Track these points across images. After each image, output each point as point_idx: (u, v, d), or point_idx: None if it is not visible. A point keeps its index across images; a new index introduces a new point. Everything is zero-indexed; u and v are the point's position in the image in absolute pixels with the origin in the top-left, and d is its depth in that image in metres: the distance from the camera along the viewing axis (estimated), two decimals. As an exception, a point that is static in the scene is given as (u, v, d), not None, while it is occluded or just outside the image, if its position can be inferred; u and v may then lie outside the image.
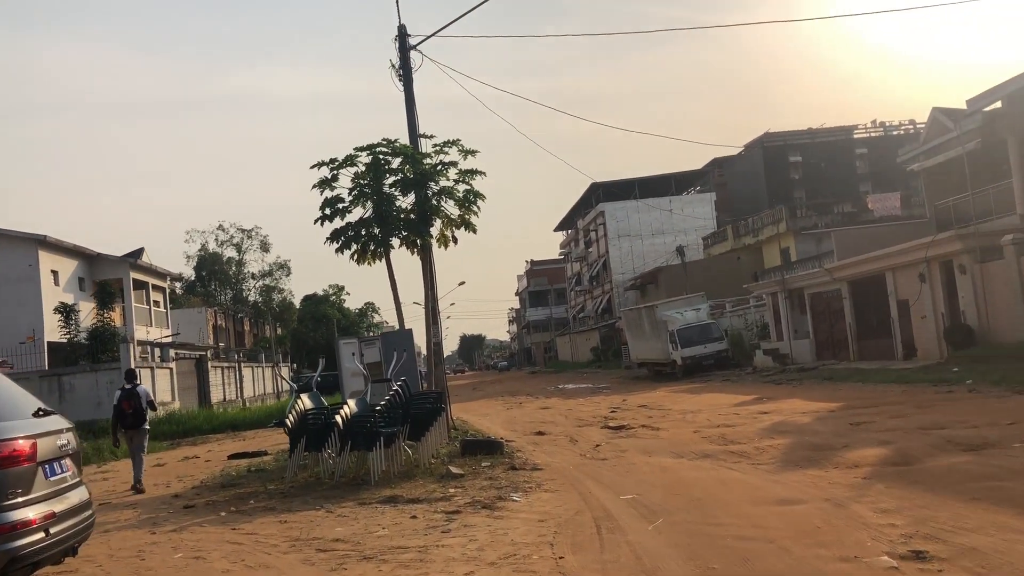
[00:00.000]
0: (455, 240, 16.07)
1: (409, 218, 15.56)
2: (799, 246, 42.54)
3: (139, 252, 41.55)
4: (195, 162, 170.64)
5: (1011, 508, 6.58)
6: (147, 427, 13.38)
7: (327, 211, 15.51)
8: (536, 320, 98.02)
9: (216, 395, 35.46)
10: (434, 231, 15.82)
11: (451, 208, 15.70)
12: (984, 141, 24.88)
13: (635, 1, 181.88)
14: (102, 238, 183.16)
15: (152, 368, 28.97)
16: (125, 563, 7.33)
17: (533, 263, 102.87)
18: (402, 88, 16.54)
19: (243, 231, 71.84)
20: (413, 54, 16.58)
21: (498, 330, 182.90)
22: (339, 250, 15.66)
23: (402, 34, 16.49)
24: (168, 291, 45.82)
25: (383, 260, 15.89)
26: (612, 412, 19.94)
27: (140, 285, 39.67)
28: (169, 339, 38.38)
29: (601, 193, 66.03)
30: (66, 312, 29.14)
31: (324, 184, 15.47)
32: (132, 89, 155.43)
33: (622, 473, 10.31)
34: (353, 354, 16.27)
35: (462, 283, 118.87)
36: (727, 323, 38.92)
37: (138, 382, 13.86)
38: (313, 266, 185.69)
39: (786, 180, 60.80)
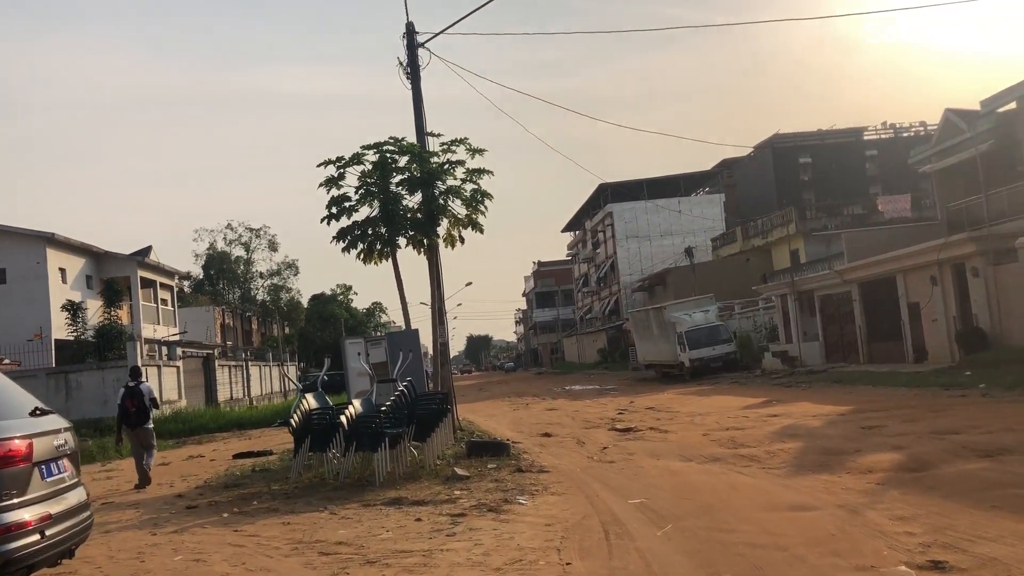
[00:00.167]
0: (462, 240, 15.92)
1: (416, 217, 15.40)
2: (808, 248, 42.28)
3: (147, 250, 41.60)
4: (204, 161, 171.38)
5: (1031, 517, 6.40)
6: (150, 425, 13.29)
7: (333, 210, 15.37)
8: (543, 321, 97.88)
9: (223, 394, 35.41)
10: (441, 231, 15.68)
11: (458, 208, 15.53)
12: (998, 142, 24.65)
13: (643, 2, 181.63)
14: (110, 236, 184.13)
15: (159, 366, 28.91)
16: (124, 565, 7.22)
17: (540, 264, 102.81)
18: (410, 86, 16.44)
19: (251, 230, 71.87)
20: (421, 52, 16.50)
21: (505, 331, 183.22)
22: (345, 249, 15.52)
23: (410, 31, 16.38)
24: (176, 289, 45.88)
25: (389, 260, 15.75)
26: (619, 414, 19.78)
27: (148, 283, 39.72)
28: (176, 337, 38.37)
29: (609, 194, 65.82)
30: (73, 310, 29.13)
31: (330, 183, 15.34)
32: (141, 88, 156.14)
33: (630, 476, 10.16)
34: (359, 354, 16.13)
35: (469, 284, 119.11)
36: (736, 325, 38.70)
37: (143, 380, 13.77)
38: (321, 266, 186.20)
39: (796, 182, 60.49)
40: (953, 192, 27.55)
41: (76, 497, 5.90)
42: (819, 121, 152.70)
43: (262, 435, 22.93)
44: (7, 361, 26.53)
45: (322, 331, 68.24)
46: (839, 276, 29.56)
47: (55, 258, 32.72)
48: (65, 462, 5.90)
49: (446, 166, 15.34)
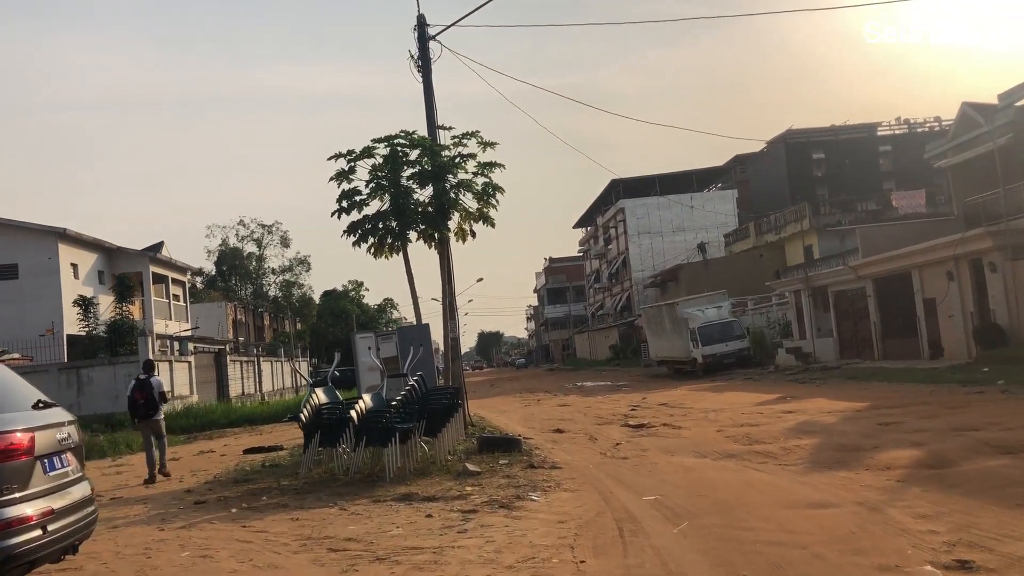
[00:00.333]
0: (473, 234, 15.80)
1: (427, 211, 15.28)
2: (822, 244, 41.93)
3: (159, 246, 41.60)
4: (216, 157, 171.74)
5: (1059, 515, 6.21)
6: (159, 417, 13.25)
7: (344, 204, 15.28)
8: (554, 317, 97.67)
9: (234, 389, 35.44)
10: (452, 224, 15.57)
11: (469, 201, 15.41)
12: (1016, 136, 24.30)
13: (651, 1, 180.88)
14: (123, 232, 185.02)
15: (171, 361, 28.95)
16: (130, 561, 7.12)
17: (552, 260, 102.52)
18: (421, 79, 16.31)
19: (263, 226, 72.27)
20: (432, 45, 16.36)
21: (516, 327, 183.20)
22: (356, 243, 15.42)
23: (421, 24, 16.25)
24: (188, 285, 45.96)
25: (400, 254, 15.64)
26: (632, 410, 19.60)
27: (160, 279, 39.78)
28: (188, 333, 38.42)
29: (621, 189, 65.53)
30: (85, 305, 29.16)
31: (341, 176, 15.25)
32: (154, 84, 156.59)
33: (644, 473, 10.00)
34: (369, 348, 16.04)
35: (480, 279, 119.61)
36: (749, 321, 38.42)
37: (155, 373, 13.72)
38: (333, 262, 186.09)
39: (809, 177, 59.99)
40: (969, 187, 27.18)
41: (80, 492, 5.79)
42: (832, 117, 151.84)
43: (273, 430, 22.88)
44: (18, 356, 26.57)
45: (334, 327, 68.35)
46: (853, 272, 29.28)
47: (67, 254, 32.78)
48: (68, 456, 5.79)
49: (457, 159, 15.22)
